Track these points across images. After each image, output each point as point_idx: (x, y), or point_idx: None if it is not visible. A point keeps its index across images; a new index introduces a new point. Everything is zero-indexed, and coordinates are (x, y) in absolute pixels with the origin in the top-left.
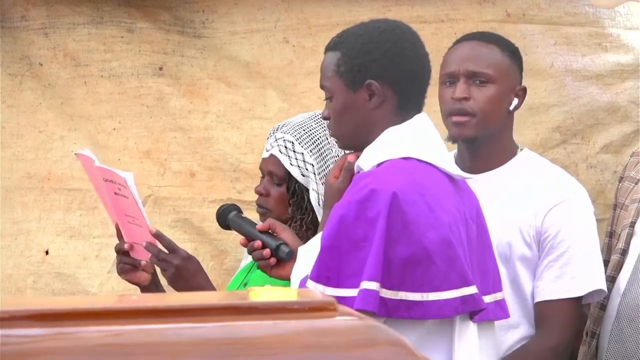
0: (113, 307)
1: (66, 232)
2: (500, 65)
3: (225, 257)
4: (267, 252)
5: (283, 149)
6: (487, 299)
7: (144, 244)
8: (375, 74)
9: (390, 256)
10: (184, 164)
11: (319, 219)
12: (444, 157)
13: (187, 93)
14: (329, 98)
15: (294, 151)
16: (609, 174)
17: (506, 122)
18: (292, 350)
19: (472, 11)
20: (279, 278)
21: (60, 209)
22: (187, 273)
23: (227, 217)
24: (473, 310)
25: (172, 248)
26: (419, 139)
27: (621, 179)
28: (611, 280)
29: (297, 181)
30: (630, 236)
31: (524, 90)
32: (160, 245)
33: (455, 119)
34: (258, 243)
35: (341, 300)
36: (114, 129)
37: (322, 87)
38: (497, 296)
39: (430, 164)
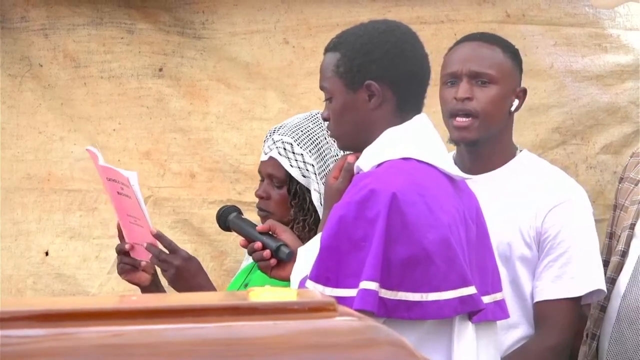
0: (113, 308)
1: (66, 233)
2: (502, 66)
3: (225, 258)
4: (267, 253)
5: (282, 151)
6: (486, 299)
7: (145, 244)
8: (374, 75)
9: (390, 256)
10: (184, 165)
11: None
12: (444, 157)
13: (187, 94)
14: (328, 99)
15: (294, 152)
16: (608, 174)
17: (507, 123)
18: (292, 350)
19: (471, 12)
20: (279, 279)
21: (60, 209)
22: (187, 274)
23: (227, 218)
24: (472, 311)
25: (173, 249)
26: (418, 139)
27: (621, 180)
28: (611, 282)
29: (297, 182)
30: (630, 238)
31: (524, 91)
32: (160, 246)
33: (457, 122)
34: (258, 244)
35: (340, 300)
36: (114, 130)
37: (321, 88)
38: (497, 296)
39: (430, 165)
